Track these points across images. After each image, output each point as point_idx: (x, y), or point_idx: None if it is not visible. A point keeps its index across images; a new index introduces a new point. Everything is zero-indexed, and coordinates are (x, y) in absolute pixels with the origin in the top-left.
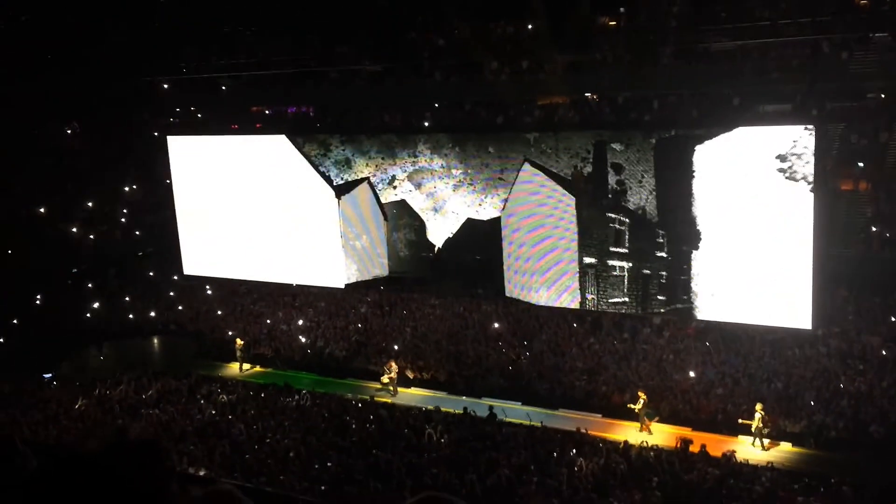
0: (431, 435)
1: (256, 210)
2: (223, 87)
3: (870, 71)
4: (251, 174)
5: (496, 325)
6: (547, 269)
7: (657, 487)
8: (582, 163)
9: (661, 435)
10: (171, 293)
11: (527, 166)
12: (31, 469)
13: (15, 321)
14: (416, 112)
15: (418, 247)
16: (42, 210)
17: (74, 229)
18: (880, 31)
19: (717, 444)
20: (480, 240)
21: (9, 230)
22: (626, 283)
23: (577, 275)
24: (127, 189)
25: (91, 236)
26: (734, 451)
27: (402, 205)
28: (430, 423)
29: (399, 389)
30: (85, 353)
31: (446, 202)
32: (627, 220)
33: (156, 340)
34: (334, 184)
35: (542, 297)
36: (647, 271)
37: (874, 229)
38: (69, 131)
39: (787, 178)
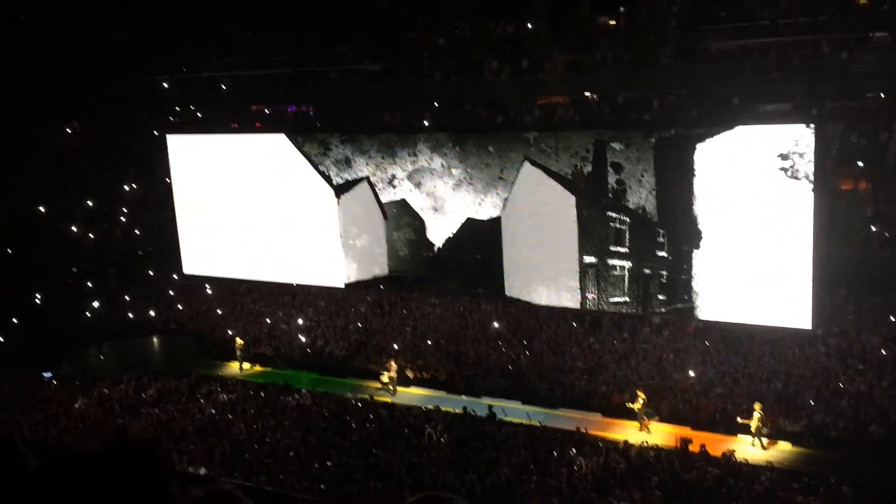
0: (431, 434)
1: (256, 209)
2: (223, 86)
3: (870, 71)
4: (251, 173)
5: (496, 324)
6: (547, 268)
7: (657, 487)
8: (582, 162)
9: (661, 434)
10: (171, 292)
11: (527, 165)
12: (31, 469)
13: (14, 321)
14: (416, 111)
15: (418, 246)
16: (41, 209)
17: (74, 228)
18: (880, 31)
19: (716, 444)
20: (480, 239)
21: (8, 230)
22: (626, 282)
23: (578, 274)
24: (127, 188)
25: (91, 235)
26: (734, 451)
27: (402, 204)
28: (430, 423)
29: (399, 389)
30: (85, 353)
31: (446, 201)
32: (628, 219)
33: (155, 340)
34: (334, 183)
35: (543, 296)
36: (648, 271)
37: (874, 229)
38: (69, 131)
39: (789, 176)
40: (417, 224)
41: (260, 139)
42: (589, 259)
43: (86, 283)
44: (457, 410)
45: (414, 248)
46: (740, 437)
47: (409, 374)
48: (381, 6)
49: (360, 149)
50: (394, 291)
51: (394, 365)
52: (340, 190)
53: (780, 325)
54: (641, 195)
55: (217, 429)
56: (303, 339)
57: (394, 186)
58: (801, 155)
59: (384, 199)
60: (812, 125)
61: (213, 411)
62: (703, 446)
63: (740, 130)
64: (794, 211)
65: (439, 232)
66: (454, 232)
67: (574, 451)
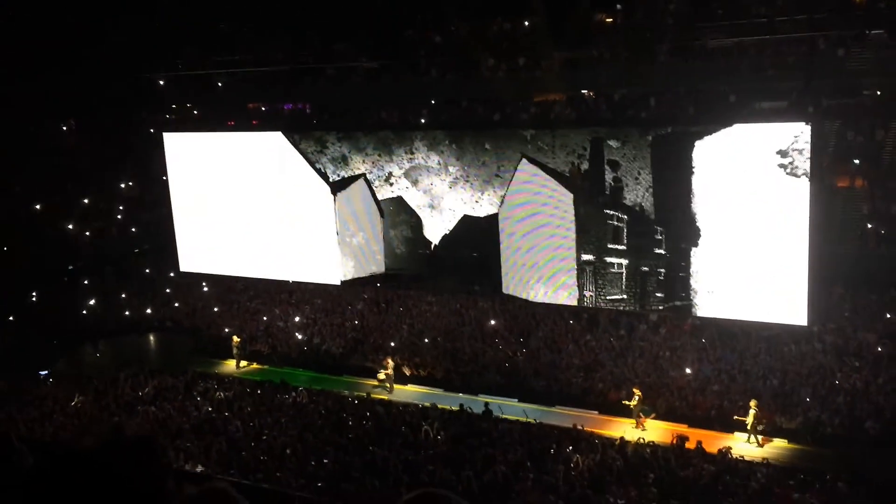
0: (428, 432)
1: (253, 207)
2: (219, 84)
3: (866, 68)
4: (247, 171)
5: (493, 321)
6: (544, 265)
7: (653, 483)
8: (579, 160)
9: (658, 431)
10: (168, 290)
11: (525, 163)
12: (27, 466)
13: (11, 318)
14: (413, 109)
15: (415, 244)
16: (38, 207)
17: (71, 227)
18: (876, 29)
19: (712, 441)
20: (477, 236)
21: (5, 228)
22: (624, 280)
23: (575, 272)
24: (123, 186)
25: (87, 233)
26: (730, 448)
27: (399, 201)
28: (427, 420)
29: (395, 386)
30: (81, 351)
31: (443, 199)
32: (625, 216)
33: (152, 337)
34: (330, 180)
35: (540, 293)
36: (646, 268)
37: (870, 226)
38: (65, 129)
39: (788, 173)
40: (414, 221)
41: (256, 137)
42: (586, 256)
43: (82, 280)
44: (453, 408)
45: (410, 246)
46: (736, 434)
47: (406, 371)
48: (378, 4)
49: (356, 146)
50: (390, 289)
51: (390, 362)
52: (337, 187)
53: (776, 322)
54: (638, 193)
55: (213, 426)
56: (299, 336)
57: (390, 184)
58: (800, 151)
59: (381, 196)
60: (808, 123)
61: (210, 409)
62: (699, 443)
63: (737, 128)
64: (791, 208)
65: (436, 229)
66: (451, 229)
67: (570, 448)
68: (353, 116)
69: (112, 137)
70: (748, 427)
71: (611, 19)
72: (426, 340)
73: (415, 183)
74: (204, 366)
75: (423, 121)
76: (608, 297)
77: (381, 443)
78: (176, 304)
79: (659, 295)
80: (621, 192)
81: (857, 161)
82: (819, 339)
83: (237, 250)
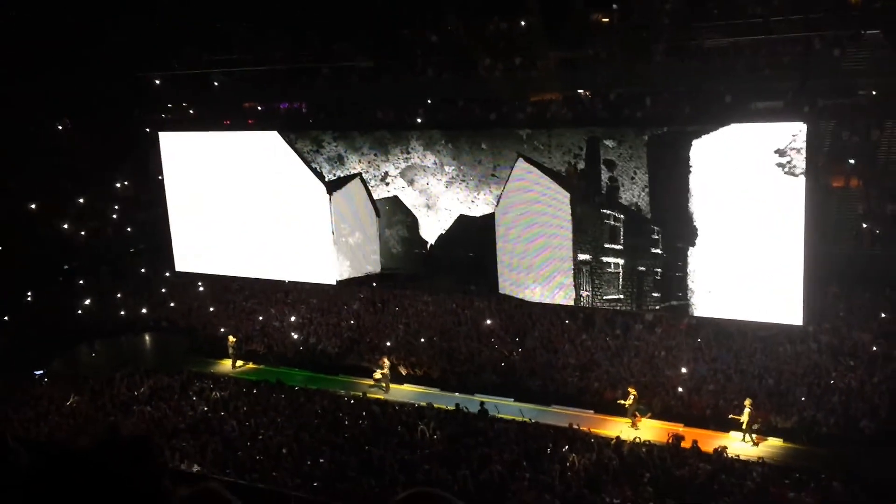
0: (424, 431)
1: (248, 206)
2: (215, 83)
3: (861, 68)
4: (243, 170)
5: (489, 321)
6: (541, 265)
7: (649, 483)
8: (575, 159)
9: (653, 431)
10: (163, 290)
11: (521, 162)
12: (22, 466)
13: (6, 318)
14: (409, 108)
15: (411, 243)
16: (34, 207)
17: (66, 226)
18: (872, 29)
19: (708, 440)
20: (473, 236)
21: (0, 227)
22: (620, 279)
23: (572, 271)
24: (119, 185)
25: (83, 233)
26: (725, 447)
27: (395, 201)
28: (423, 420)
29: (392, 386)
30: (77, 350)
31: (439, 198)
32: (622, 216)
33: (148, 337)
34: (326, 180)
35: (536, 293)
36: (642, 268)
37: (865, 226)
38: (60, 128)
39: (786, 172)
40: (410, 221)
41: (252, 136)
42: (583, 256)
43: (78, 280)
44: (449, 407)
45: (407, 246)
46: (732, 433)
47: (402, 371)
48: (374, 3)
49: (352, 146)
50: (386, 289)
51: (386, 362)
52: (333, 187)
53: (772, 322)
54: (634, 192)
55: (209, 426)
56: (295, 336)
57: (386, 183)
58: (798, 150)
59: (377, 196)
60: (804, 122)
61: (206, 409)
62: (694, 442)
63: (733, 127)
64: (787, 208)
65: (432, 229)
66: (447, 229)
67: (566, 447)
68: (349, 116)
69: (108, 137)
70: (743, 426)
71: (607, 19)
72: (422, 340)
73: (411, 182)
74: (200, 366)
75: (419, 120)
76: (605, 297)
77: (377, 442)
78: (172, 304)
79: (656, 295)
80: (617, 192)
81: (852, 161)
82: (814, 338)
83: (233, 250)
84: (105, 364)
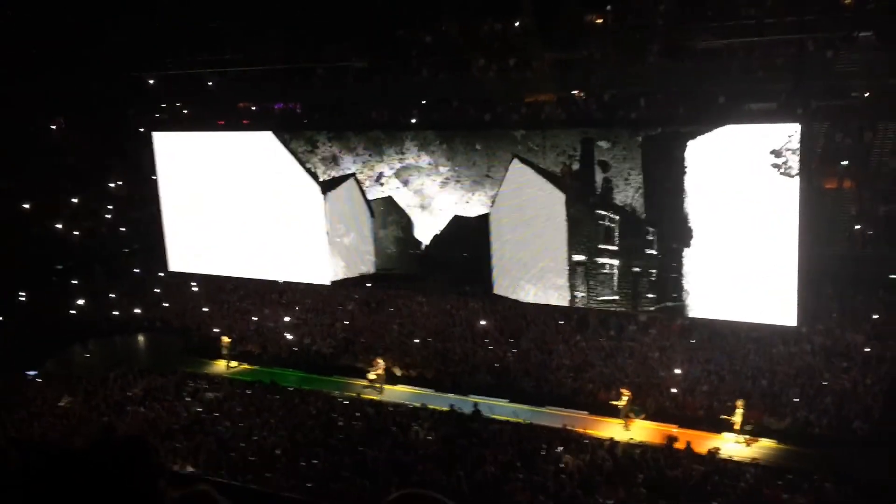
0: (418, 432)
1: (242, 206)
2: (209, 83)
3: (854, 70)
4: (237, 170)
5: (483, 322)
6: (535, 266)
7: (642, 484)
8: (569, 160)
9: (647, 432)
10: (157, 290)
11: (516, 163)
12: (14, 466)
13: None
14: (404, 109)
15: (405, 244)
16: (27, 206)
17: (60, 226)
18: (865, 30)
19: (701, 441)
20: (468, 237)
21: None
22: (615, 280)
23: (566, 272)
24: (113, 185)
25: (76, 233)
26: (719, 448)
27: (389, 202)
28: (417, 421)
29: (386, 387)
30: (70, 351)
31: (434, 199)
32: (617, 217)
33: (141, 337)
34: (321, 180)
35: (531, 294)
36: (637, 269)
37: (857, 227)
38: (54, 127)
39: (781, 173)
40: (405, 222)
41: (247, 136)
42: (578, 257)
43: (71, 280)
44: (444, 408)
45: (401, 246)
46: (725, 434)
47: (397, 371)
48: (369, 3)
49: (347, 146)
50: (381, 289)
51: (381, 363)
52: (327, 187)
53: (766, 323)
54: (629, 193)
55: (203, 427)
56: (289, 336)
57: (381, 184)
58: (793, 151)
59: (371, 196)
60: (798, 124)
61: (200, 409)
62: (688, 444)
63: (727, 128)
64: (781, 209)
65: (427, 230)
66: (441, 230)
67: (560, 448)
68: (343, 116)
69: (102, 136)
70: (735, 427)
71: (601, 20)
72: (416, 341)
73: (405, 183)
74: (193, 366)
75: (413, 121)
76: (600, 298)
77: (371, 443)
78: (165, 304)
79: (651, 296)
80: (612, 193)
81: (845, 163)
82: (808, 339)
83: (227, 250)
84: (99, 364)
